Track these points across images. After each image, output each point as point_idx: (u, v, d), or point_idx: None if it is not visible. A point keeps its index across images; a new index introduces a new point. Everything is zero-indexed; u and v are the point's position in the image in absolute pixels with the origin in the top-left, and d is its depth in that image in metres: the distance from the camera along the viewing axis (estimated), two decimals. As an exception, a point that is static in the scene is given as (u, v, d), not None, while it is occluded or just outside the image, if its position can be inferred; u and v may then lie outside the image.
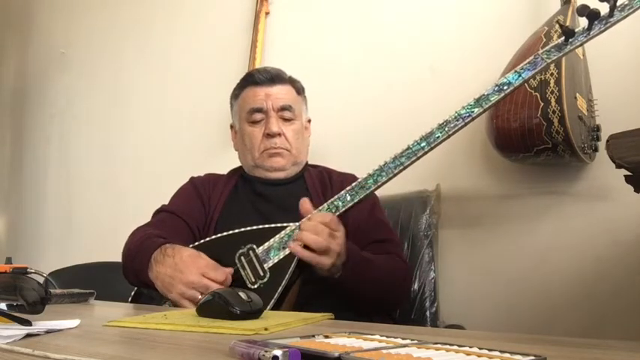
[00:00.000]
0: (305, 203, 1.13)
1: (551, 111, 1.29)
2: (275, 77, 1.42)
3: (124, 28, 2.53)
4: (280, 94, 1.40)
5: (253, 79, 1.43)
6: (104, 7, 2.61)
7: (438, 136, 1.05)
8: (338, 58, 1.91)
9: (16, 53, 3.05)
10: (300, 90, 1.46)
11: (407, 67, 1.77)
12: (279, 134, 1.38)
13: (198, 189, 1.41)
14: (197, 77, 2.23)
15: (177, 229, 1.31)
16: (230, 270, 1.11)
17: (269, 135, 1.37)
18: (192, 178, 1.46)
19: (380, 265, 1.20)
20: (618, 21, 0.99)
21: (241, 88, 1.45)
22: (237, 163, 1.51)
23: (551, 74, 1.29)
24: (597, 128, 1.41)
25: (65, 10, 2.79)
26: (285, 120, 1.40)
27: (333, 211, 1.12)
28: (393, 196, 1.53)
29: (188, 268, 1.08)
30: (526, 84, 1.32)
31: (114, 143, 2.49)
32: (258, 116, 1.39)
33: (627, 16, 0.99)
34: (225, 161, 1.57)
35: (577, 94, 1.35)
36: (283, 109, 1.40)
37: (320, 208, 1.13)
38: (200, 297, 1.00)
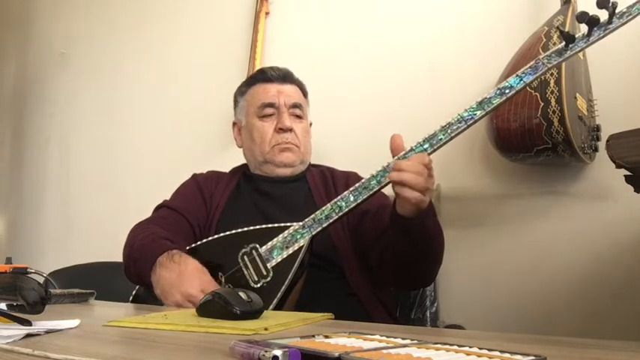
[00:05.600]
0: (397, 138, 1.07)
1: (551, 111, 1.29)
2: (286, 75, 1.44)
3: (124, 28, 2.52)
4: (291, 91, 1.43)
5: (265, 75, 1.44)
6: (104, 7, 2.61)
7: (441, 139, 1.05)
8: (338, 57, 1.91)
9: (16, 53, 3.05)
10: (305, 93, 1.49)
11: (406, 67, 1.77)
12: (291, 130, 1.39)
13: (200, 186, 1.41)
14: (197, 77, 2.23)
15: (178, 226, 1.31)
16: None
17: (281, 130, 1.38)
18: (194, 175, 1.46)
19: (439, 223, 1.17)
20: (617, 28, 1.01)
21: (250, 84, 1.46)
22: (237, 162, 1.51)
23: (551, 74, 1.29)
24: (597, 128, 1.41)
25: (65, 10, 2.79)
26: (296, 117, 1.42)
27: (337, 211, 1.11)
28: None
29: (191, 280, 1.08)
30: (526, 84, 1.33)
31: (114, 143, 2.49)
32: (269, 111, 1.40)
33: (626, 22, 1.00)
34: (225, 161, 1.57)
35: (577, 94, 1.35)
36: (294, 106, 1.42)
37: (323, 208, 1.13)
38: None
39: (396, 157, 1.07)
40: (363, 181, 1.11)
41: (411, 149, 1.07)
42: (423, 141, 1.06)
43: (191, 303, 1.04)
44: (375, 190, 1.09)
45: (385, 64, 1.81)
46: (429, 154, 1.06)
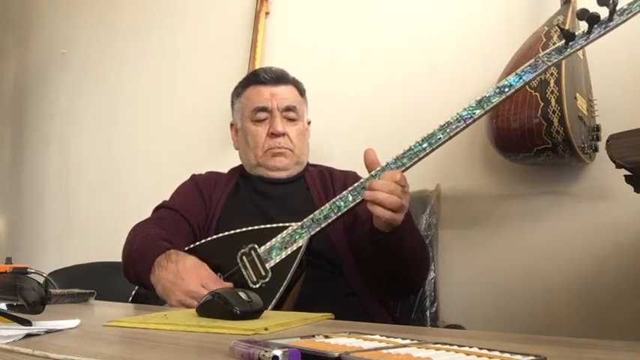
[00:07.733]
0: (370, 152, 1.10)
1: (551, 111, 1.29)
2: (280, 77, 1.43)
3: (124, 28, 2.53)
4: (285, 94, 1.41)
5: (258, 78, 1.43)
6: (104, 8, 2.62)
7: (440, 138, 1.05)
8: (338, 57, 1.91)
9: (16, 53, 3.05)
10: (302, 91, 1.47)
11: (406, 66, 1.77)
12: (284, 134, 1.38)
13: (199, 187, 1.41)
14: (197, 77, 2.23)
15: (177, 226, 1.31)
16: (230, 284, 1.11)
17: (274, 134, 1.38)
18: (193, 176, 1.46)
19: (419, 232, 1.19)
20: (617, 25, 1.00)
21: (244, 86, 1.45)
22: (237, 162, 1.51)
23: (551, 74, 1.29)
24: (597, 128, 1.41)
25: (65, 10, 2.79)
26: (290, 120, 1.41)
27: (335, 211, 1.11)
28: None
29: (190, 276, 1.08)
30: (526, 84, 1.33)
31: (114, 143, 2.49)
32: (262, 115, 1.40)
33: (626, 20, 1.00)
34: (225, 160, 1.57)
35: (577, 94, 1.35)
36: (288, 109, 1.41)
37: (322, 208, 1.13)
38: None
39: (370, 174, 1.09)
40: (361, 180, 1.11)
41: (382, 168, 1.08)
42: (422, 140, 1.06)
43: (194, 299, 1.04)
44: None
45: (385, 64, 1.81)
46: (427, 154, 1.06)
